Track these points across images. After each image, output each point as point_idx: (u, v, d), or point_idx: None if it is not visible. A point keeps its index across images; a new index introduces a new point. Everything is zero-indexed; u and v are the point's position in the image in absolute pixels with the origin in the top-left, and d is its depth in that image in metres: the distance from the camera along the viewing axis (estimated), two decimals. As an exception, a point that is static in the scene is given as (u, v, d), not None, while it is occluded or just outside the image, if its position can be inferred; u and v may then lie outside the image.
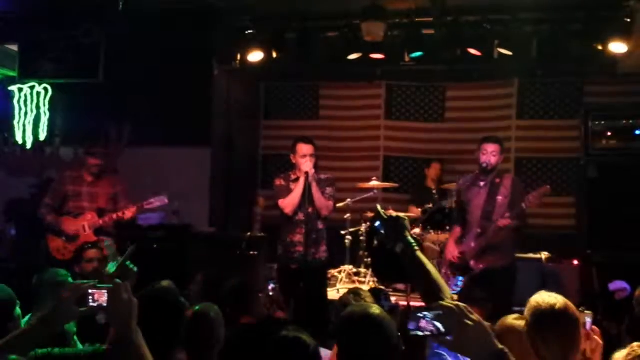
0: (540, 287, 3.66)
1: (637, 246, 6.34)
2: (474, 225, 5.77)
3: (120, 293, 2.28)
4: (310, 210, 5.85)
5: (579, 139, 7.75)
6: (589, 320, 3.11)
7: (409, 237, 2.55)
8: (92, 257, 5.41)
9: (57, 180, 6.61)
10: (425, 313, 2.01)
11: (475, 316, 1.97)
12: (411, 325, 2.01)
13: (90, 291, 2.34)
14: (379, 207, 2.73)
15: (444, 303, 2.01)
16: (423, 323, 2.00)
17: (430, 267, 2.48)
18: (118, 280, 2.34)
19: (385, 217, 2.60)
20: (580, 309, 3.09)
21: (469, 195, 5.85)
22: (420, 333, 2.01)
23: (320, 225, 5.99)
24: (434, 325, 2.00)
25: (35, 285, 3.91)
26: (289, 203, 5.86)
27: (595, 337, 3.08)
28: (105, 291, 2.33)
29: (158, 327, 2.81)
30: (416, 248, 2.54)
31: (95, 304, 2.34)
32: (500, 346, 1.94)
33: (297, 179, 5.91)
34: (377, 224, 2.66)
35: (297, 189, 5.83)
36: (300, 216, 5.87)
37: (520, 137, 8.93)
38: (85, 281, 2.44)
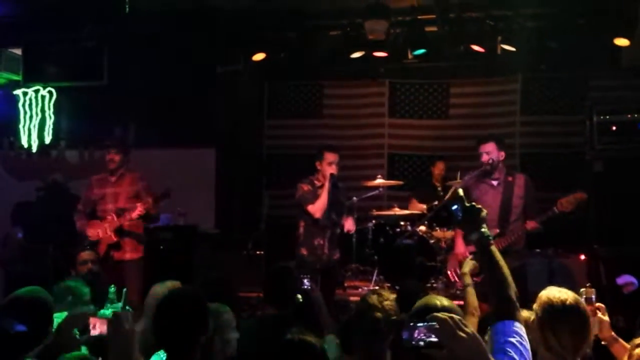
0: (548, 281, 3.68)
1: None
2: (489, 225, 5.72)
3: (121, 323, 2.26)
4: (334, 215, 6.16)
5: (583, 134, 7.74)
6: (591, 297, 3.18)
7: (486, 229, 2.62)
8: (85, 259, 5.56)
9: (87, 186, 6.55)
10: (419, 324, 2.01)
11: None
12: (405, 335, 2.02)
13: (91, 319, 2.33)
14: (460, 191, 2.75)
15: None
16: (416, 333, 2.00)
17: (501, 262, 2.51)
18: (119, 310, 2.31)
19: (467, 204, 2.65)
20: (587, 285, 3.15)
21: (478, 193, 5.81)
22: (413, 343, 2.01)
23: (337, 229, 6.34)
24: (427, 336, 2.00)
25: (54, 293, 3.90)
26: (318, 208, 6.09)
27: (598, 311, 3.18)
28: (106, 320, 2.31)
29: (179, 334, 2.82)
30: (491, 241, 2.60)
31: (96, 333, 2.33)
32: (493, 359, 1.96)
33: (322, 186, 6.14)
34: (455, 207, 2.67)
35: (324, 195, 6.08)
36: (325, 220, 6.12)
37: (524, 133, 8.92)
38: (87, 307, 2.45)
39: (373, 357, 2.81)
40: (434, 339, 1.98)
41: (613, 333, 3.19)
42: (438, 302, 2.39)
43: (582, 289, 3.18)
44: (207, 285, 3.95)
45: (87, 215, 6.38)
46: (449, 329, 1.95)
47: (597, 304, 3.23)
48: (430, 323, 1.99)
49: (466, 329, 1.96)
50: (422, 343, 1.99)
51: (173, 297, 3.01)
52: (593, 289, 3.23)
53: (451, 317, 1.98)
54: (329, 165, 6.09)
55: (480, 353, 1.95)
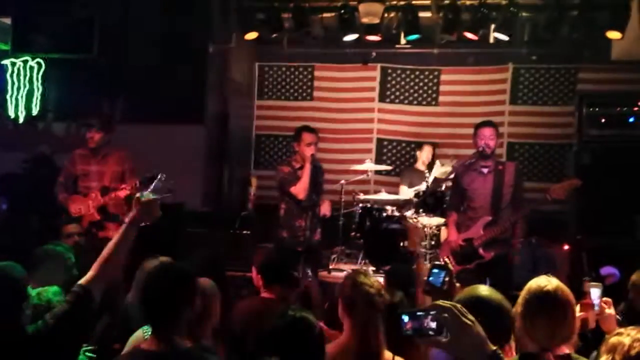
0: (532, 270, 3.73)
1: (628, 232, 6.41)
2: (481, 213, 5.75)
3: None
4: (314, 196, 6.18)
5: (572, 126, 7.79)
6: (596, 291, 3.25)
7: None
8: (71, 231, 5.51)
9: (69, 159, 6.40)
10: (420, 313, 2.02)
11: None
12: (415, 324, 2.01)
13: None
14: (449, 262, 3.04)
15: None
16: (425, 322, 2.00)
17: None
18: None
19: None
20: (588, 281, 3.20)
21: (468, 180, 5.83)
22: (418, 333, 2.01)
23: (317, 209, 6.33)
24: (428, 324, 2.01)
25: (37, 257, 3.90)
26: (301, 189, 6.11)
27: (604, 305, 3.27)
28: None
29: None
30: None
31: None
32: (493, 347, 1.98)
33: (301, 167, 6.15)
34: (437, 271, 3.04)
35: (306, 176, 6.09)
36: (307, 202, 6.14)
37: (513, 123, 8.93)
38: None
39: (369, 331, 2.89)
40: (433, 326, 1.99)
41: (617, 327, 3.23)
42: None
43: (586, 278, 3.25)
44: (198, 262, 3.95)
45: (67, 189, 6.31)
46: (457, 317, 1.98)
47: (604, 298, 3.29)
48: (431, 312, 2.00)
49: (469, 316, 1.99)
50: (431, 332, 2.00)
51: (160, 271, 3.02)
52: (592, 285, 3.28)
53: (454, 305, 2.00)
54: (307, 146, 6.11)
55: (482, 340, 1.97)
